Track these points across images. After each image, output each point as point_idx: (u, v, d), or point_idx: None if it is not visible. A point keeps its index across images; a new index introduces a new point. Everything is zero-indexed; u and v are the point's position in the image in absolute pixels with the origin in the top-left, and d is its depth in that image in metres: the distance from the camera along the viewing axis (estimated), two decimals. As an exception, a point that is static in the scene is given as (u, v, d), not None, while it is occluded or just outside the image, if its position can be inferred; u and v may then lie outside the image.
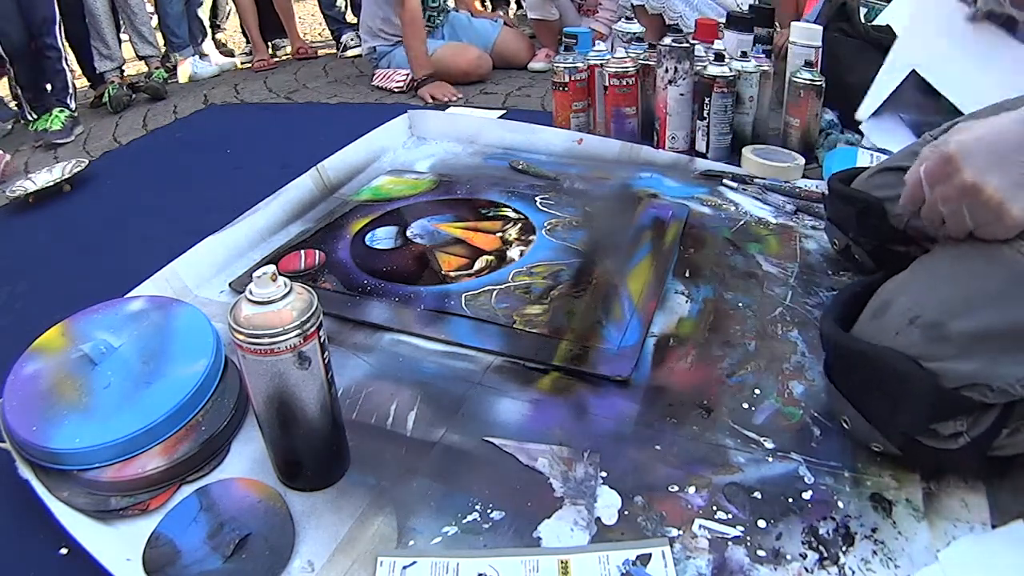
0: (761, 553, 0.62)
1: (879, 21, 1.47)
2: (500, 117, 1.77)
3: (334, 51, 3.08)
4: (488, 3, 3.54)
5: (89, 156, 1.96)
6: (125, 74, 2.71)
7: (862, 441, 0.69)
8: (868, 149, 1.35)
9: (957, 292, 0.62)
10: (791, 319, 0.93)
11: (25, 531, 0.72)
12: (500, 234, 1.18)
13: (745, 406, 0.79)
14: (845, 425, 0.70)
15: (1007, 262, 0.60)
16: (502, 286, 1.03)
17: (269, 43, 3.17)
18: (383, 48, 2.42)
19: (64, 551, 0.69)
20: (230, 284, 1.09)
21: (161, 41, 2.90)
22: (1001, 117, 0.61)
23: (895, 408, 0.64)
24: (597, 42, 1.67)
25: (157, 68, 2.77)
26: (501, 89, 2.25)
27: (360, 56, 2.78)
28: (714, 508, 0.67)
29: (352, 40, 2.97)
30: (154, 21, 2.92)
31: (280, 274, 0.64)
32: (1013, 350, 0.59)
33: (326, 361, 0.67)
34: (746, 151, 1.41)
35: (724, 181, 1.34)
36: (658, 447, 0.74)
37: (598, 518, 0.66)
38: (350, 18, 3.30)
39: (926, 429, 0.63)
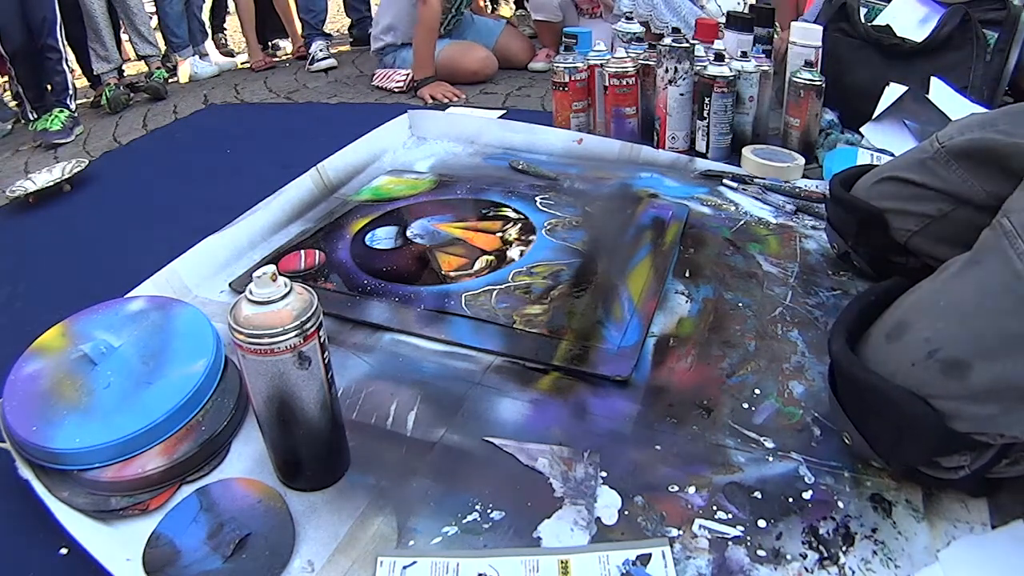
0: (761, 553, 0.62)
1: (879, 21, 1.47)
2: (500, 117, 1.77)
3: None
4: (488, 3, 3.55)
5: (89, 156, 1.96)
6: (125, 74, 2.71)
7: (862, 457, 0.69)
8: (868, 149, 1.35)
9: (983, 331, 0.58)
10: (791, 319, 0.93)
11: (25, 531, 0.72)
12: (500, 234, 1.18)
13: (745, 406, 0.79)
14: (846, 440, 0.70)
15: None
16: (502, 286, 1.03)
17: (269, 43, 3.17)
18: (393, 46, 2.41)
19: (64, 551, 0.69)
20: (230, 284, 1.09)
21: (161, 41, 2.90)
22: None
23: (899, 441, 0.63)
24: (598, 42, 1.67)
25: (157, 68, 2.77)
26: (501, 89, 2.25)
27: (334, 68, 2.75)
28: (714, 508, 0.67)
29: (322, 51, 2.76)
30: (154, 21, 2.92)
31: (280, 274, 0.63)
32: None
33: (326, 361, 0.67)
34: (746, 151, 1.41)
35: (724, 181, 1.34)
36: (658, 447, 0.74)
37: (598, 518, 0.66)
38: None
39: (929, 462, 0.63)
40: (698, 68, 1.45)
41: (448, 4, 2.31)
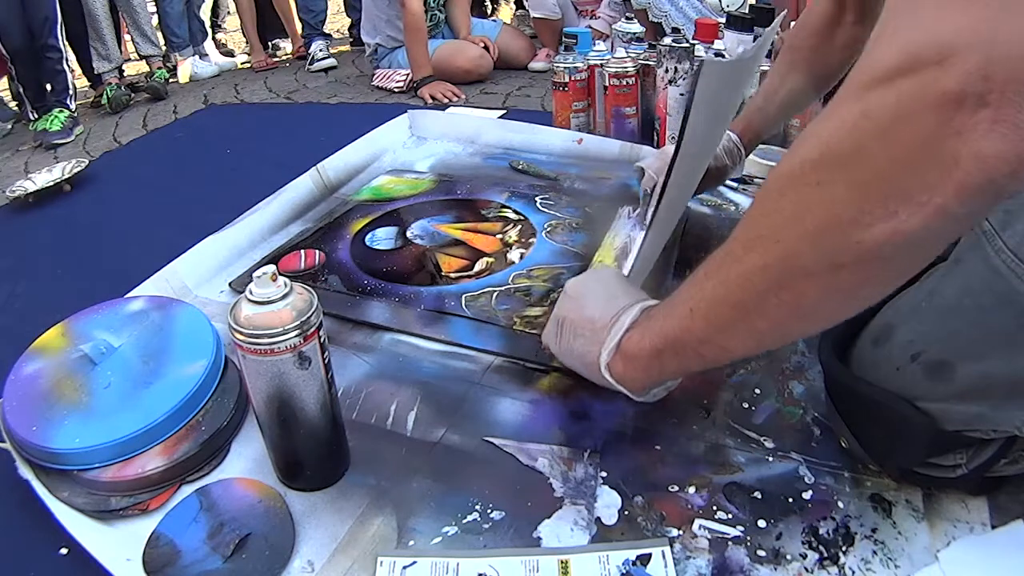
0: (761, 553, 0.62)
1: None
2: (500, 117, 1.77)
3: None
4: (488, 4, 3.55)
5: (89, 156, 1.96)
6: (126, 74, 2.71)
7: (860, 460, 0.69)
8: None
9: (964, 329, 0.57)
10: (791, 319, 0.93)
11: (25, 531, 0.72)
12: (500, 236, 1.18)
13: (745, 406, 0.79)
14: (843, 444, 0.70)
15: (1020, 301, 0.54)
16: (502, 288, 1.03)
17: (269, 43, 3.17)
18: (384, 48, 2.41)
19: (64, 551, 0.69)
20: (230, 284, 1.09)
21: (162, 41, 2.90)
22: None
23: (892, 446, 0.63)
24: (597, 41, 1.67)
25: (159, 68, 2.77)
26: (501, 89, 2.25)
27: (334, 68, 2.75)
28: (714, 508, 0.67)
29: (321, 51, 2.78)
30: (154, 20, 2.92)
31: (280, 274, 0.63)
32: (1017, 395, 0.55)
33: (326, 361, 0.67)
34: (746, 151, 1.41)
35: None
36: (658, 447, 0.74)
37: (598, 518, 0.66)
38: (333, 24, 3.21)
39: (924, 463, 0.63)
40: (698, 68, 1.45)
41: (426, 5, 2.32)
